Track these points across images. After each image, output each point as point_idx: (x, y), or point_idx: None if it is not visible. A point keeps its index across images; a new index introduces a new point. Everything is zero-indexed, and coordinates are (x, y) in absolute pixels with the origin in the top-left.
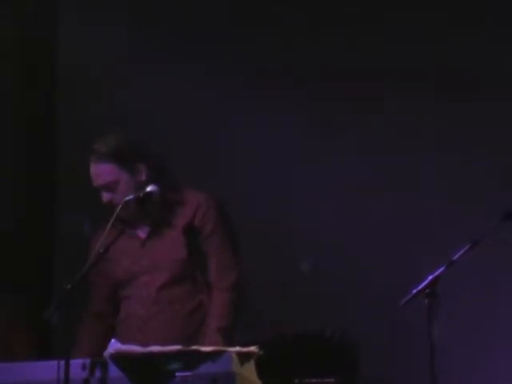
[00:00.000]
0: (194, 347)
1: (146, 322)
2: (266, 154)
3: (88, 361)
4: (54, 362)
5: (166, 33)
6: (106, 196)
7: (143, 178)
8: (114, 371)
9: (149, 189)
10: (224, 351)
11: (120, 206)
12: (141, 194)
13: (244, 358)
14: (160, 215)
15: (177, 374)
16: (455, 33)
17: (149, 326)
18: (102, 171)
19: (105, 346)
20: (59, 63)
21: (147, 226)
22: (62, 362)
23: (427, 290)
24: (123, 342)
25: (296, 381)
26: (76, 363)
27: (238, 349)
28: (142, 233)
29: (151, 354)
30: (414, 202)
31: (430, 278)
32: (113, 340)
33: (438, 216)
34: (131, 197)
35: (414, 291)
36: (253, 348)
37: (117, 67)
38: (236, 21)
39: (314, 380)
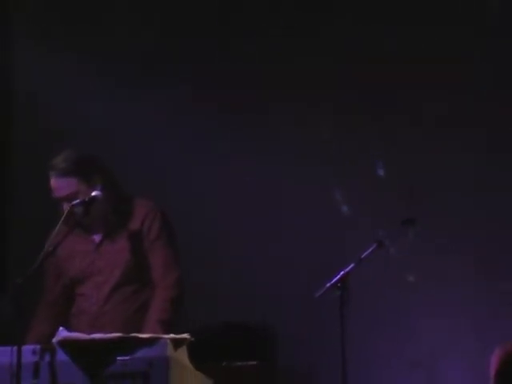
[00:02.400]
0: (133, 334)
1: (97, 319)
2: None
3: (38, 347)
4: (7, 348)
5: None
6: (66, 206)
7: (99, 188)
8: (61, 356)
9: (93, 194)
10: (160, 338)
11: (67, 210)
12: (86, 199)
13: (177, 343)
14: (113, 222)
15: (117, 358)
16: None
17: (99, 322)
18: (62, 185)
19: (55, 332)
20: (15, 88)
21: (101, 232)
22: (15, 348)
23: (339, 284)
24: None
25: (224, 363)
26: (27, 349)
27: (172, 336)
28: (97, 237)
29: (95, 341)
30: (330, 210)
31: (342, 273)
32: (61, 328)
33: (348, 220)
34: (78, 201)
35: (328, 285)
36: (185, 335)
37: (69, 93)
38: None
39: (239, 363)
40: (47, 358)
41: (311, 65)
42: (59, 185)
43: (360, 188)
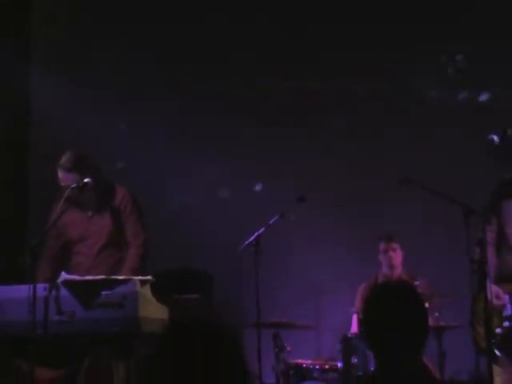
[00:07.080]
0: (113, 277)
1: (91, 269)
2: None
3: (47, 285)
4: (26, 286)
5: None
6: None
7: (90, 176)
8: (63, 292)
9: (85, 180)
10: (131, 279)
11: (68, 191)
12: (80, 184)
13: (143, 283)
14: (100, 202)
15: (102, 292)
16: None
17: (92, 271)
18: (67, 178)
19: (56, 276)
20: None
21: (92, 208)
22: (31, 286)
23: (254, 242)
24: None
25: (175, 296)
26: (40, 286)
27: (139, 277)
28: (89, 212)
29: (87, 281)
30: (251, 193)
31: (256, 234)
32: (62, 272)
33: (261, 199)
34: (75, 185)
35: (246, 243)
36: (149, 277)
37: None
38: None
39: (185, 296)
40: (54, 293)
41: None
42: (65, 178)
43: (270, 177)
